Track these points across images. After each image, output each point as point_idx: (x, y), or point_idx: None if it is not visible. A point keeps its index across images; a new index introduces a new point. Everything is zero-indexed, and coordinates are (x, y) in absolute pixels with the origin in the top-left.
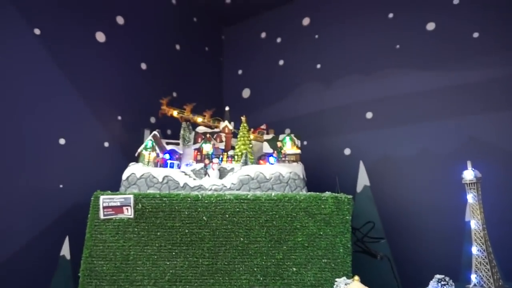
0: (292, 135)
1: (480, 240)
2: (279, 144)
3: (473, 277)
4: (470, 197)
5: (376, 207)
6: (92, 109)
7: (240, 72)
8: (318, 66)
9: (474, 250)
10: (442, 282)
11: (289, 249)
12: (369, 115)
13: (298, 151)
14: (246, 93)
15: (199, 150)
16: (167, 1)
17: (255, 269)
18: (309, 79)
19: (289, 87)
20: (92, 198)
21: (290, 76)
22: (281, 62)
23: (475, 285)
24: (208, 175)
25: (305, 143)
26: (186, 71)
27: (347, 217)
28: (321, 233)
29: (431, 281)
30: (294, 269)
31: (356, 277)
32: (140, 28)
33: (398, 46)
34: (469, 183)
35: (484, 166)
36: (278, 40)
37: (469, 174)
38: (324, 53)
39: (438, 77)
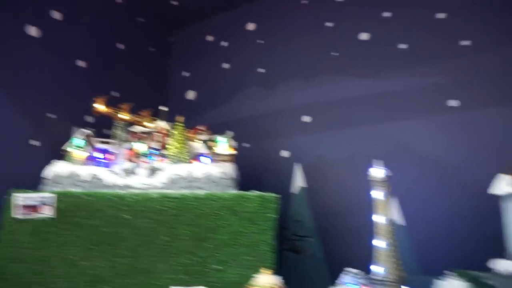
0: (228, 136)
1: (386, 235)
2: (212, 144)
3: (379, 269)
4: (378, 194)
5: (311, 208)
6: (18, 105)
7: (186, 74)
8: (262, 70)
9: (381, 244)
10: (351, 275)
11: (213, 247)
12: (307, 119)
13: (232, 151)
14: (191, 95)
15: (132, 149)
16: (110, 0)
17: (178, 268)
18: (253, 83)
19: (233, 91)
20: (5, 197)
21: (234, 79)
22: (226, 66)
23: (380, 277)
24: (138, 174)
25: (247, 145)
26: (129, 71)
27: (272, 216)
28: (246, 231)
29: (342, 275)
30: (218, 267)
31: (266, 270)
32: (79, 24)
33: (336, 54)
34: (377, 181)
35: (406, 169)
36: (224, 44)
37: (377, 172)
38: (267, 58)
39: (370, 84)
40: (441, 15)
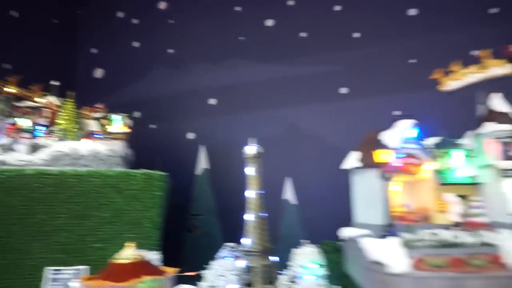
0: (122, 115)
1: (255, 208)
2: (104, 122)
3: (247, 240)
4: (250, 170)
5: (213, 188)
6: None
7: (94, 51)
8: (171, 51)
9: (250, 216)
10: (228, 249)
11: (94, 225)
12: (213, 101)
13: (125, 130)
14: (99, 73)
15: (14, 124)
16: None
17: (55, 247)
18: (162, 63)
19: (142, 70)
20: None
21: (144, 59)
22: (136, 44)
23: (247, 248)
24: (16, 151)
25: (154, 126)
26: (25, 43)
27: (158, 193)
28: (130, 208)
29: (221, 249)
30: (98, 245)
31: (130, 244)
32: None
33: (242, 38)
34: (249, 158)
35: (301, 151)
36: (135, 21)
37: (250, 149)
38: (177, 39)
39: (273, 69)
40: (337, 8)
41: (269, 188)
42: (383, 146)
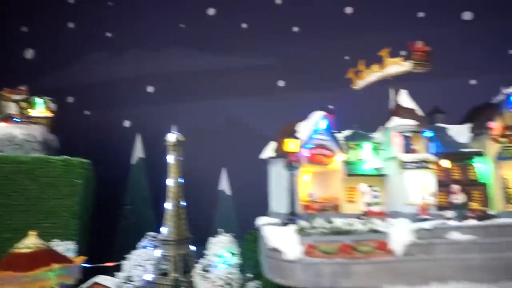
0: (45, 98)
1: (173, 197)
2: (24, 105)
3: (164, 229)
4: (170, 158)
5: (148, 177)
6: None
7: (25, 29)
8: (109, 34)
9: (168, 205)
10: (149, 238)
11: (3, 214)
12: (150, 89)
13: (48, 114)
14: (30, 53)
15: None
16: None
17: None
18: (98, 47)
19: (77, 53)
20: None
21: (79, 41)
22: (71, 25)
23: (163, 236)
24: None
25: (88, 112)
26: None
27: (78, 181)
28: (45, 196)
29: (143, 239)
30: (8, 235)
31: (32, 232)
32: None
33: (183, 26)
34: (170, 145)
35: (236, 142)
36: (71, 0)
37: (171, 137)
38: (115, 23)
39: (212, 60)
40: (278, 1)
41: (205, 179)
42: (295, 137)
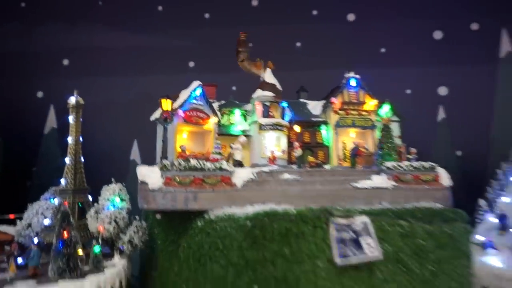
0: None
1: (72, 152)
2: None
3: (62, 180)
4: (71, 118)
5: (61, 147)
6: None
7: None
8: (23, 4)
9: (67, 160)
10: (51, 191)
11: None
12: (66, 62)
13: None
14: None
15: None
16: None
17: None
18: (12, 17)
19: None
20: None
21: None
22: None
23: (62, 187)
24: None
25: None
26: None
27: None
28: None
29: (46, 192)
30: None
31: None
32: None
33: (100, 3)
34: (71, 107)
35: (147, 116)
36: None
37: (72, 100)
38: None
39: (128, 37)
40: None
41: (117, 149)
42: (168, 98)
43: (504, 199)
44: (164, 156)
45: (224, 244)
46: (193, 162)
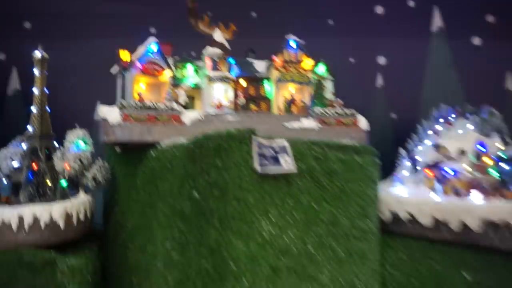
0: None
1: (38, 102)
2: None
3: (29, 127)
4: (36, 71)
5: (26, 107)
6: None
7: None
8: None
9: (33, 108)
10: (20, 138)
11: None
12: (28, 25)
13: None
14: None
15: None
16: None
17: None
18: None
19: None
20: None
21: None
22: None
23: (29, 134)
24: None
25: None
26: None
27: None
28: None
29: (14, 140)
30: None
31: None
32: None
33: None
34: (37, 60)
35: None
36: None
37: (37, 54)
38: None
39: (90, 1)
40: None
41: (82, 112)
42: (127, 50)
43: (419, 147)
44: (123, 98)
45: (172, 163)
46: (148, 103)
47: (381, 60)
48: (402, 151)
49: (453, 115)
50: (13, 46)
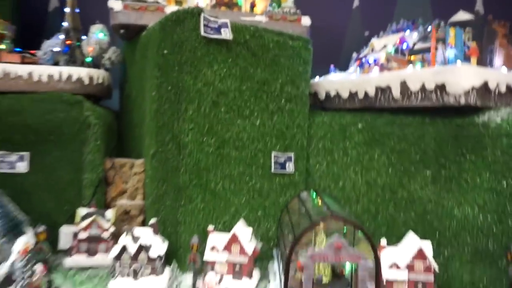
0: None
1: (71, 4)
2: None
3: (64, 23)
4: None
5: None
6: None
7: None
8: None
9: (67, 10)
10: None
11: None
12: None
13: None
14: None
15: None
16: None
17: None
18: None
19: None
20: None
21: None
22: None
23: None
24: None
25: None
26: None
27: None
28: None
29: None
30: None
31: None
32: None
33: None
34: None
35: None
36: None
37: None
38: None
39: None
40: None
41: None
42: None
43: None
44: None
45: (153, 36)
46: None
47: None
48: (354, 55)
49: (408, 29)
50: None
